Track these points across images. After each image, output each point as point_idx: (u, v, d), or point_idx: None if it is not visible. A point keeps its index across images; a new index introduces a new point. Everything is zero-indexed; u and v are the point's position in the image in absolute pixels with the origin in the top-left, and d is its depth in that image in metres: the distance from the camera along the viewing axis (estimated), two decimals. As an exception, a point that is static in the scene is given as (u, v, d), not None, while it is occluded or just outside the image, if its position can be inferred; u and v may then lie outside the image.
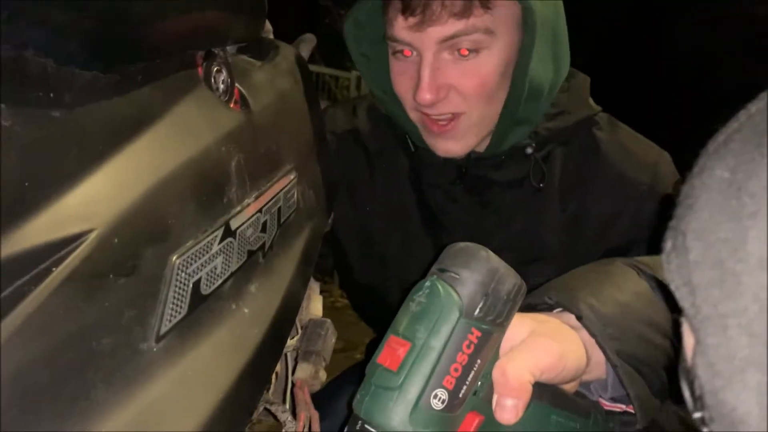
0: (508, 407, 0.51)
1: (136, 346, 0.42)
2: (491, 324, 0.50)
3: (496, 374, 0.51)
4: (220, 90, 0.60)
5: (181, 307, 0.46)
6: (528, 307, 0.61)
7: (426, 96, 0.84)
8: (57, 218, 0.38)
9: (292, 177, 0.66)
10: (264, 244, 0.59)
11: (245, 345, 0.51)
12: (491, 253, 0.52)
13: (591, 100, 0.99)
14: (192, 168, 0.50)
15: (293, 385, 0.74)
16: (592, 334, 0.56)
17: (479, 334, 0.50)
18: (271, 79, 0.73)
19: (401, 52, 0.88)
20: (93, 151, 0.42)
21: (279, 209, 0.63)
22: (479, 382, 0.51)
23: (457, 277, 0.50)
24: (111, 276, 0.41)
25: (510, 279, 0.51)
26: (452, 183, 0.97)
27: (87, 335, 0.39)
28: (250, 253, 0.56)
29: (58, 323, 0.37)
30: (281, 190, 0.63)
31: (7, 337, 0.34)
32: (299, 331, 0.79)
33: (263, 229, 0.59)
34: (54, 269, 0.38)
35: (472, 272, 0.50)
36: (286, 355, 0.76)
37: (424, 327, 0.49)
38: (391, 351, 0.49)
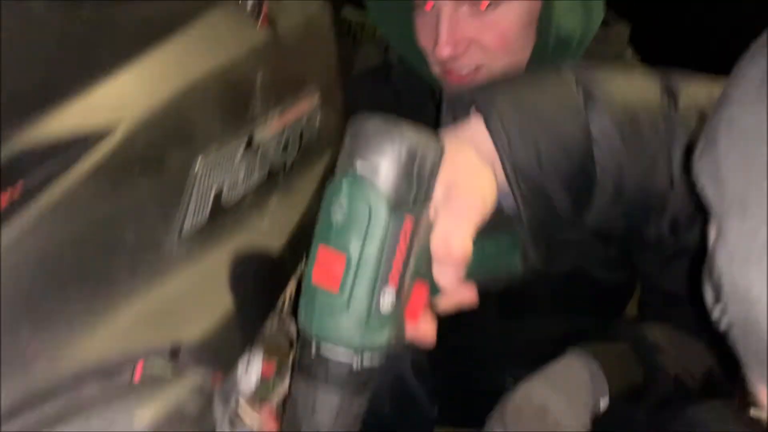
0: (453, 274, 0.51)
1: (159, 242, 0.43)
2: (421, 204, 0.47)
3: (439, 252, 0.50)
4: (249, 6, 0.60)
5: (203, 210, 0.47)
6: (456, 99, 0.60)
7: (444, 51, 0.84)
8: (88, 108, 0.39)
9: (315, 101, 0.66)
10: (285, 163, 0.60)
11: (262, 254, 0.53)
12: (404, 129, 0.46)
13: (630, 51, 0.97)
14: (219, 77, 0.50)
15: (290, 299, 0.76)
16: (494, 141, 0.54)
17: (412, 218, 0.47)
18: (299, 3, 0.72)
19: (422, 5, 0.87)
20: (125, 47, 0.43)
21: (301, 131, 0.63)
22: (420, 257, 0.49)
23: (376, 170, 0.45)
24: (138, 171, 0.42)
25: (431, 150, 0.47)
26: None
27: (112, 225, 0.40)
28: (271, 170, 0.57)
29: (85, 210, 0.38)
30: (304, 112, 0.64)
31: (38, 216, 0.36)
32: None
33: (285, 148, 0.60)
34: (82, 157, 0.39)
35: (391, 159, 0.45)
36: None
37: (355, 237, 0.45)
38: (326, 268, 0.46)
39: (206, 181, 0.47)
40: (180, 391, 0.40)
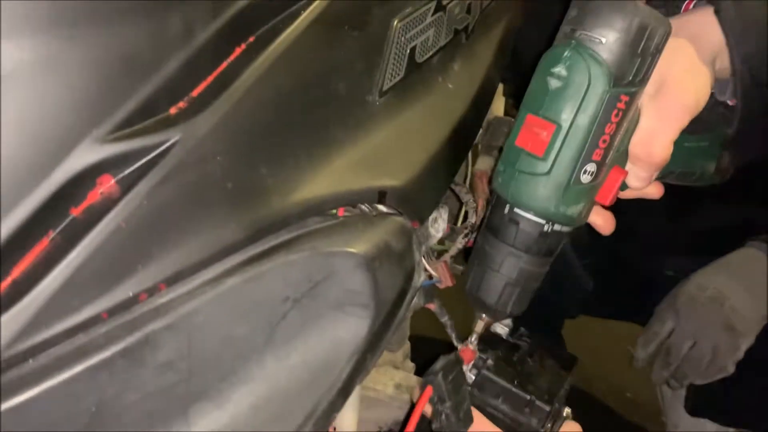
0: (647, 176, 0.51)
1: (364, 97, 0.46)
2: (639, 84, 0.46)
3: (639, 151, 0.49)
4: None
5: (399, 69, 0.49)
6: None
7: None
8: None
9: (496, -37, 0.65)
10: (468, 25, 0.60)
11: (450, 115, 0.55)
12: (637, 2, 0.44)
13: None
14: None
15: (473, 175, 0.78)
16: (725, 33, 0.51)
17: (627, 98, 0.45)
18: None
19: None
20: None
21: (483, -6, 0.63)
22: (623, 140, 0.49)
23: (602, 42, 0.44)
24: (346, 27, 0.44)
25: (660, 29, 0.44)
26: None
27: (328, 77, 0.43)
28: (456, 32, 0.58)
29: (307, 61, 0.42)
30: (486, -26, 0.63)
31: (269, 65, 0.39)
32: (482, 127, 0.82)
33: (468, 11, 0.60)
34: (302, 12, 0.41)
35: (619, 33, 0.43)
36: (469, 147, 0.79)
37: (569, 106, 0.45)
38: (533, 134, 0.46)
39: (402, 39, 0.49)
40: (387, 228, 0.44)
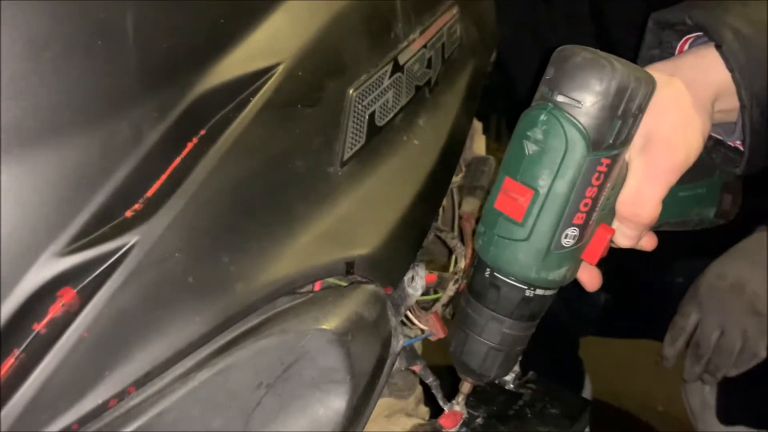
0: (635, 236, 0.49)
1: (325, 170, 0.47)
2: (621, 146, 0.44)
3: (626, 212, 0.47)
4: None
5: (360, 136, 0.50)
6: (665, 24, 0.53)
7: None
8: (250, 53, 0.43)
9: (454, 12, 0.66)
10: (430, 79, 0.61)
11: (418, 172, 0.55)
12: (616, 63, 0.42)
13: None
14: (361, 5, 0.52)
15: (460, 218, 0.78)
16: (730, 68, 0.48)
17: (608, 161, 0.43)
18: None
19: None
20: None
21: (443, 45, 0.64)
22: (608, 198, 0.46)
23: (579, 106, 0.42)
24: (299, 106, 0.45)
25: (641, 89, 0.42)
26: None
27: (285, 157, 0.44)
28: (418, 88, 0.59)
29: (261, 146, 0.42)
30: (444, 25, 0.64)
31: (222, 156, 0.40)
32: (463, 169, 0.82)
33: (429, 65, 0.61)
34: (252, 99, 0.42)
35: (597, 97, 0.42)
36: (452, 190, 0.80)
37: (546, 172, 0.43)
38: (511, 198, 0.45)
39: (360, 107, 0.50)
40: (358, 299, 0.44)
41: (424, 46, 0.60)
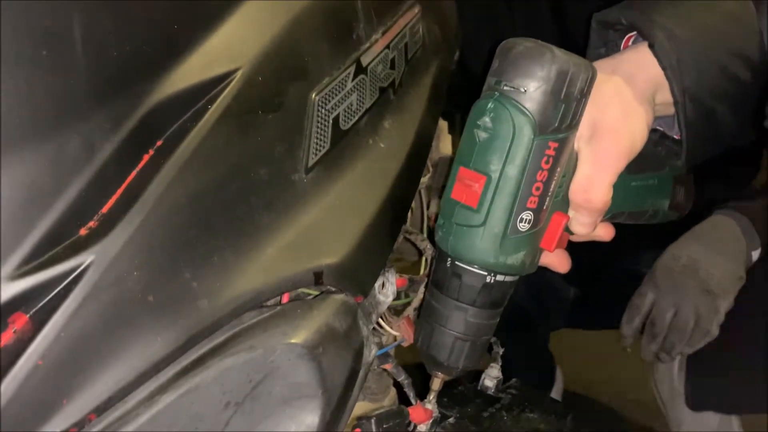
0: (589, 223, 0.51)
1: (289, 177, 0.45)
2: (567, 130, 0.46)
3: (578, 198, 0.50)
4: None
5: (324, 142, 0.49)
6: (606, 24, 0.57)
7: None
8: (206, 59, 0.41)
9: (416, 11, 0.65)
10: (394, 81, 0.60)
11: (385, 176, 0.54)
12: (555, 50, 0.45)
13: None
14: (321, 6, 0.51)
15: (429, 219, 0.77)
16: (662, 66, 0.51)
17: (556, 145, 0.46)
18: None
19: None
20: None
21: (406, 45, 0.63)
22: (560, 186, 0.49)
23: (523, 91, 0.45)
24: (260, 112, 0.44)
25: (581, 74, 0.45)
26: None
27: (246, 166, 0.42)
28: (382, 90, 0.57)
29: (221, 155, 0.41)
30: (406, 25, 0.63)
31: (180, 168, 0.38)
32: (431, 169, 0.81)
33: (392, 66, 0.60)
34: (209, 107, 0.41)
35: (540, 82, 0.44)
36: (420, 192, 0.79)
37: (497, 157, 0.46)
38: (465, 186, 0.47)
39: (323, 111, 0.49)
40: (327, 310, 0.43)
41: (387, 47, 0.58)
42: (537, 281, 1.20)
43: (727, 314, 1.15)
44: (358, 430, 0.47)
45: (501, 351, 0.73)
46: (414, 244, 0.70)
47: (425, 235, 0.78)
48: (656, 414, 1.48)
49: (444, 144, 0.85)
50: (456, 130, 0.93)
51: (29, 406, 0.32)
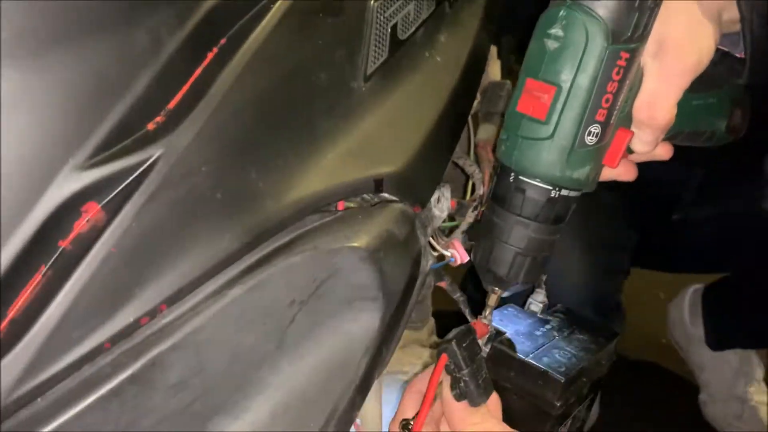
0: (652, 140, 0.50)
1: (348, 84, 0.45)
2: (638, 40, 0.45)
3: (641, 115, 0.49)
4: None
5: (382, 50, 0.48)
6: None
7: None
8: (270, -43, 0.40)
9: (473, -76, 0.63)
10: (450, -6, 0.58)
11: (442, 90, 0.53)
12: None
13: None
14: None
15: (476, 145, 0.76)
16: None
17: (627, 56, 0.45)
18: None
19: None
20: None
21: (462, -41, 0.61)
22: (626, 100, 0.48)
23: None
24: (321, 15, 0.43)
25: None
26: None
27: (308, 69, 0.42)
28: (438, 2, 0.56)
29: (283, 56, 0.40)
30: (464, -63, 0.61)
31: (243, 67, 0.38)
32: (478, 95, 0.80)
33: (449, -21, 0.58)
34: (271, 6, 0.40)
35: None
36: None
37: (568, 67, 0.44)
38: (533, 98, 0.46)
39: (382, 18, 0.47)
40: (387, 218, 0.43)
41: (445, -42, 0.57)
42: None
43: (744, 249, 1.14)
44: (444, 355, 0.48)
45: (545, 277, 0.73)
46: (462, 169, 0.70)
47: (472, 160, 0.77)
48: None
49: (493, 69, 0.83)
50: (503, 55, 0.91)
51: (104, 292, 0.33)
